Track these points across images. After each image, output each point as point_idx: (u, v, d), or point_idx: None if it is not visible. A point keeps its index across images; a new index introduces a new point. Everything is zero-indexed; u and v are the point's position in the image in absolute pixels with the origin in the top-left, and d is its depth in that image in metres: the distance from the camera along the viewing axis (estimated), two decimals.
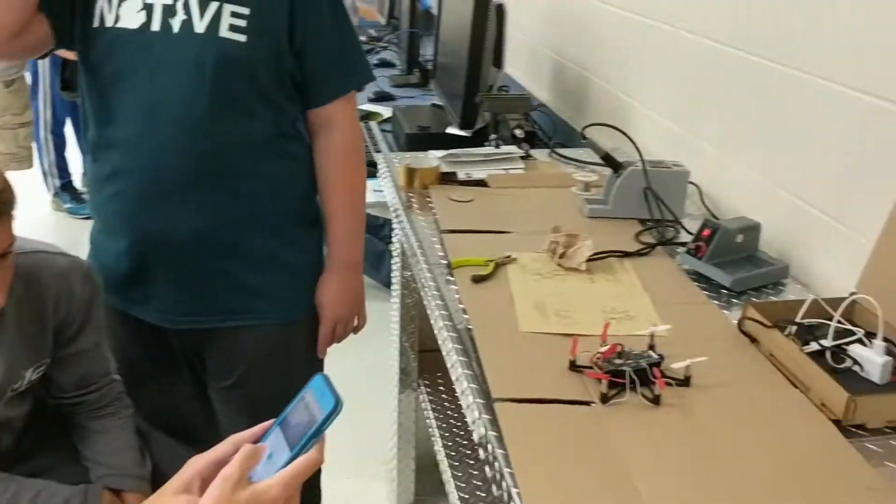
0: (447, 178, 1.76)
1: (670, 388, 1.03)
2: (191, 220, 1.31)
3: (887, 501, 0.86)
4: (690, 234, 1.49)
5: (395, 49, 3.77)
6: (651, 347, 1.09)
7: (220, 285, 1.36)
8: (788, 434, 0.96)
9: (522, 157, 1.84)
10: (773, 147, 1.51)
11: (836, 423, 0.99)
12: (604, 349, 1.06)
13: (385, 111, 2.77)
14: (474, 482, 1.66)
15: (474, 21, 2.09)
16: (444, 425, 1.84)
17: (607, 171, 1.72)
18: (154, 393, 1.46)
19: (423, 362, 2.05)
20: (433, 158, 1.77)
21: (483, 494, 1.63)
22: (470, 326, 1.20)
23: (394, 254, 1.96)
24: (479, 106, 2.10)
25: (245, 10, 1.24)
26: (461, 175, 1.76)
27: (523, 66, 2.90)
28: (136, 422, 1.36)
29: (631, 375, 1.02)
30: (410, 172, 1.70)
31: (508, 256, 1.39)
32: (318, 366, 1.51)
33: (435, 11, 3.66)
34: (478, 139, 2.18)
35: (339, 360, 2.73)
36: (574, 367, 1.08)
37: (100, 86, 1.30)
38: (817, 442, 0.95)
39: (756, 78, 1.56)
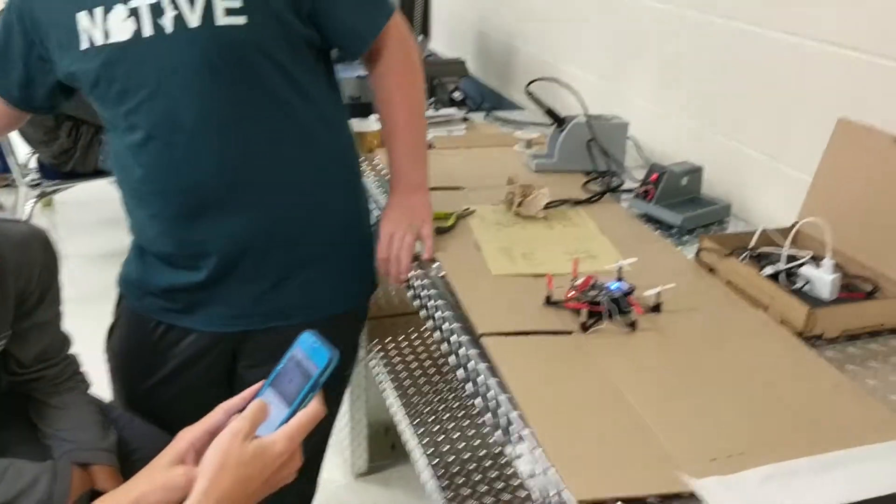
0: None
1: (643, 314, 1.08)
2: (238, 227, 1.20)
3: (851, 395, 0.93)
4: (635, 180, 1.55)
5: None
6: (619, 280, 1.14)
7: (274, 287, 1.26)
8: (756, 347, 1.03)
9: (462, 120, 1.87)
10: (707, 93, 1.59)
11: (797, 336, 1.06)
12: (578, 282, 1.11)
13: None
14: (437, 440, 1.69)
15: None
16: (399, 389, 1.85)
17: (546, 130, 1.77)
18: (182, 391, 1.36)
19: (372, 329, 2.06)
20: (374, 123, 1.78)
21: (447, 449, 1.66)
22: (442, 273, 1.22)
23: None
24: None
25: None
26: None
27: (446, 39, 2.93)
28: (94, 397, 1.32)
29: (607, 304, 1.07)
30: (357, 137, 1.69)
31: (468, 209, 1.42)
32: (352, 364, 1.45)
33: None
34: None
35: None
36: (550, 302, 1.12)
37: (108, 109, 1.18)
38: (783, 351, 1.02)
39: (684, 28, 1.63)
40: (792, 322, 1.07)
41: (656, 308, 1.10)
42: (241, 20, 1.10)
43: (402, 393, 1.84)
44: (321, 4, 1.17)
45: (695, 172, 1.47)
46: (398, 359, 1.97)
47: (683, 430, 0.86)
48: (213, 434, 0.81)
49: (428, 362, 1.96)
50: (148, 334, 1.32)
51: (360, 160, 1.35)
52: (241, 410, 0.81)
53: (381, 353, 1.98)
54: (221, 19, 1.10)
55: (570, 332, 1.05)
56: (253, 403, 0.82)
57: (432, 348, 2.01)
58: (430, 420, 1.76)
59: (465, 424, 1.75)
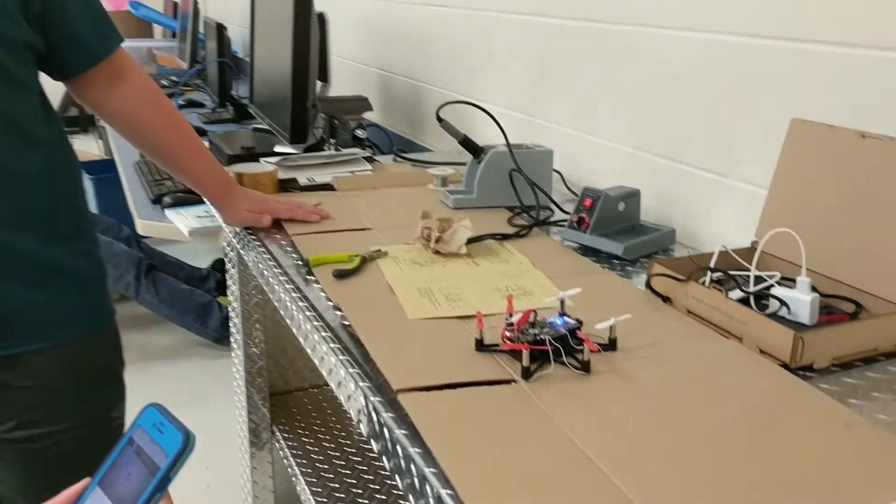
0: (287, 186, 1.55)
1: (595, 354, 0.88)
2: None
3: (870, 436, 0.74)
4: (566, 212, 1.37)
5: (204, 91, 3.50)
6: (563, 315, 0.93)
7: None
8: (740, 383, 0.83)
9: (367, 159, 1.67)
10: (634, 112, 1.44)
11: (783, 367, 0.87)
12: (515, 320, 0.89)
13: None
14: None
15: (296, 28, 1.91)
16: (311, 472, 1.59)
17: (463, 169, 1.59)
18: None
19: (275, 408, 1.80)
20: (267, 165, 1.56)
21: None
22: (346, 322, 0.99)
23: (230, 282, 1.71)
24: (311, 116, 1.90)
25: None
26: (302, 180, 1.56)
27: (349, 86, 2.76)
28: None
29: (552, 343, 0.86)
30: (241, 178, 1.47)
31: (378, 250, 1.20)
32: (121, 389, 1.24)
33: (243, 55, 3.45)
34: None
35: None
36: (482, 346, 0.90)
37: None
38: (772, 387, 0.82)
39: (597, 45, 1.49)
40: (774, 352, 0.88)
41: (611, 345, 0.90)
42: None
43: (316, 480, 1.57)
44: (53, 9, 1.06)
45: (632, 197, 1.30)
46: (309, 439, 1.70)
47: (673, 497, 0.65)
48: None
49: (344, 440, 1.70)
50: None
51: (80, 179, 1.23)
52: None
53: (289, 434, 1.71)
54: None
55: (510, 381, 0.83)
56: None
57: (350, 423, 1.75)
58: None
59: None
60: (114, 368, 1.24)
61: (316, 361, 1.01)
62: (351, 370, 0.89)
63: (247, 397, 1.74)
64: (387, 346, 0.91)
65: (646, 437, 0.73)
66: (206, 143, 2.36)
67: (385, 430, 0.79)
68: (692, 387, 0.82)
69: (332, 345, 0.94)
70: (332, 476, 1.56)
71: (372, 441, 0.83)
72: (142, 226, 1.87)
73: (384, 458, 0.80)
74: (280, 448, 1.69)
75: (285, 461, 1.65)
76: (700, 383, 0.83)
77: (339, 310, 1.02)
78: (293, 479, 1.60)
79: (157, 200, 1.98)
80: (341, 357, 0.92)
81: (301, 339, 1.06)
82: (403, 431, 0.76)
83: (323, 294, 1.07)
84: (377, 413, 0.81)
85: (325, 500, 1.49)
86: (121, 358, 1.25)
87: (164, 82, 3.68)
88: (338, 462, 1.60)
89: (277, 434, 1.71)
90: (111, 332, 1.24)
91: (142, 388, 2.69)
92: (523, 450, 0.71)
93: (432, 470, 0.70)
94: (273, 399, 1.79)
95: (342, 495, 1.50)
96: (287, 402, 1.82)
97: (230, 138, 2.23)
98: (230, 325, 1.77)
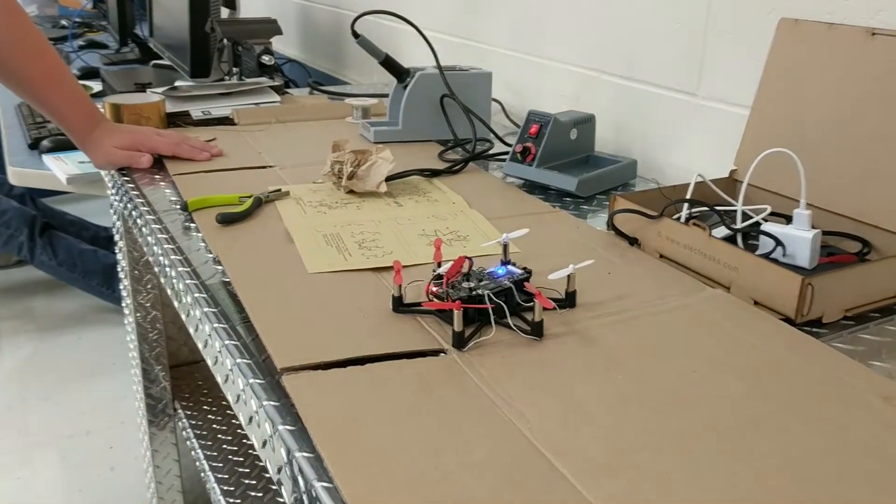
0: (178, 121, 1.30)
1: (550, 313, 0.67)
2: None
3: None
4: (508, 145, 1.16)
5: (108, 32, 3.17)
6: (507, 263, 0.73)
7: None
8: (735, 346, 0.64)
9: (276, 89, 1.42)
10: (584, 26, 1.23)
11: (787, 322, 0.68)
12: (443, 270, 0.68)
13: (96, 86, 2.22)
14: None
15: None
16: (216, 453, 1.37)
17: (387, 99, 1.36)
18: None
19: (177, 380, 1.57)
20: (152, 95, 1.30)
21: None
22: (227, 279, 0.77)
23: (116, 237, 1.46)
24: (213, 47, 1.64)
25: None
26: (196, 114, 1.31)
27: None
28: None
29: (493, 299, 0.65)
30: (117, 110, 1.22)
31: (278, 190, 0.98)
32: None
33: None
34: None
35: (74, 400, 2.15)
36: (402, 306, 0.68)
37: None
38: (778, 349, 0.63)
39: None
40: (772, 303, 0.69)
41: (569, 300, 0.70)
42: None
43: (223, 465, 1.35)
44: None
45: (586, 123, 1.09)
46: (217, 416, 1.48)
47: None
48: None
49: None
50: None
51: None
52: None
53: (193, 411, 1.49)
54: None
55: (438, 352, 0.63)
56: None
57: None
58: (259, 494, 1.29)
59: None
60: None
61: (191, 330, 0.78)
62: (228, 342, 0.66)
63: (142, 370, 1.51)
64: (274, 311, 0.69)
65: (621, 426, 0.53)
66: (100, 84, 2.08)
67: (267, 425, 0.57)
68: (675, 352, 0.63)
69: (205, 309, 0.72)
70: (241, 459, 1.35)
71: (253, 438, 0.61)
72: (13, 173, 1.59)
73: (268, 463, 0.58)
74: (183, 427, 1.46)
75: (188, 443, 1.42)
76: (685, 347, 0.64)
77: (221, 263, 0.80)
78: (196, 463, 1.38)
79: (34, 145, 1.70)
80: (216, 325, 0.69)
81: (175, 303, 0.83)
82: (288, 427, 0.55)
83: (203, 244, 0.85)
84: (258, 400, 0.59)
85: (231, 488, 1.28)
86: None
87: (65, 23, 3.34)
88: (248, 442, 1.39)
89: (180, 411, 1.49)
90: None
91: (45, 358, 2.44)
92: (455, 451, 0.51)
93: (325, 485, 0.49)
94: (175, 371, 1.56)
95: (252, 482, 1.29)
96: (192, 374, 1.59)
97: (125, 75, 1.95)
98: (121, 287, 1.52)
